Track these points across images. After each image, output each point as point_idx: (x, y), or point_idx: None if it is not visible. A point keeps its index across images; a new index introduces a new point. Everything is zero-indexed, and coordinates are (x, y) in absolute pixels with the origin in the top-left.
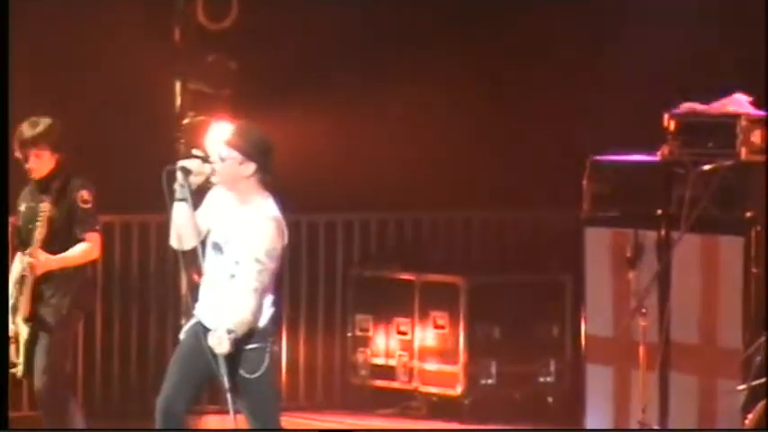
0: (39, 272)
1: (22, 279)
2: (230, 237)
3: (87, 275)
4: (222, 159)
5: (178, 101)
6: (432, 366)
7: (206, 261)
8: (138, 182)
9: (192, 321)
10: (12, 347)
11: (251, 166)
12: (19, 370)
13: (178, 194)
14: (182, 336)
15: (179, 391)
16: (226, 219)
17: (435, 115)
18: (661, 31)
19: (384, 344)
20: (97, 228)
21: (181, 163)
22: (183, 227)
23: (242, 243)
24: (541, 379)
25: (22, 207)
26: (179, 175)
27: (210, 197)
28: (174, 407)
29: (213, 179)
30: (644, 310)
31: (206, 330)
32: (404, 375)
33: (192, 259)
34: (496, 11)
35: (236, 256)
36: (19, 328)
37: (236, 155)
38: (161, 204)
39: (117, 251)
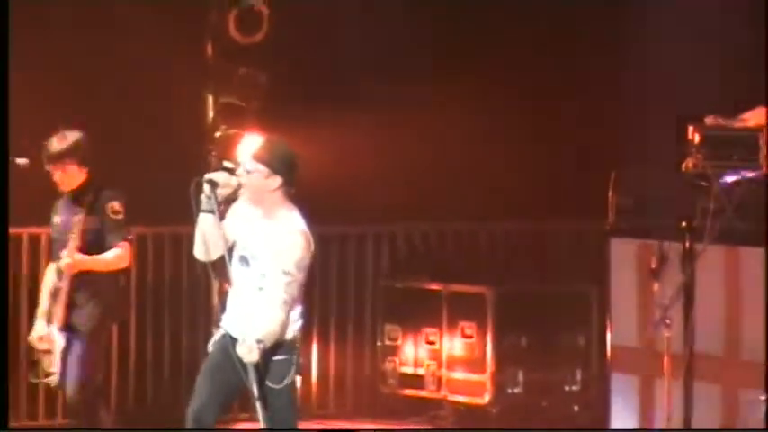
0: (75, 270)
1: (56, 290)
2: (257, 251)
3: (121, 285)
4: (248, 172)
5: (210, 114)
6: (459, 375)
7: (232, 273)
8: (170, 194)
9: (220, 333)
10: (46, 358)
11: (277, 180)
12: (54, 379)
13: (204, 206)
14: (210, 347)
15: (209, 402)
16: (251, 232)
17: (462, 127)
18: (683, 45)
19: (413, 353)
20: (129, 237)
21: (208, 176)
22: (210, 237)
23: (269, 256)
24: (567, 388)
25: (57, 220)
26: (206, 187)
27: (234, 211)
28: (205, 417)
29: (240, 192)
30: (668, 321)
31: (234, 341)
32: (432, 384)
33: (221, 268)
34: (524, 23)
35: (264, 269)
36: (54, 337)
37: (262, 168)
38: (192, 216)
39: (150, 262)
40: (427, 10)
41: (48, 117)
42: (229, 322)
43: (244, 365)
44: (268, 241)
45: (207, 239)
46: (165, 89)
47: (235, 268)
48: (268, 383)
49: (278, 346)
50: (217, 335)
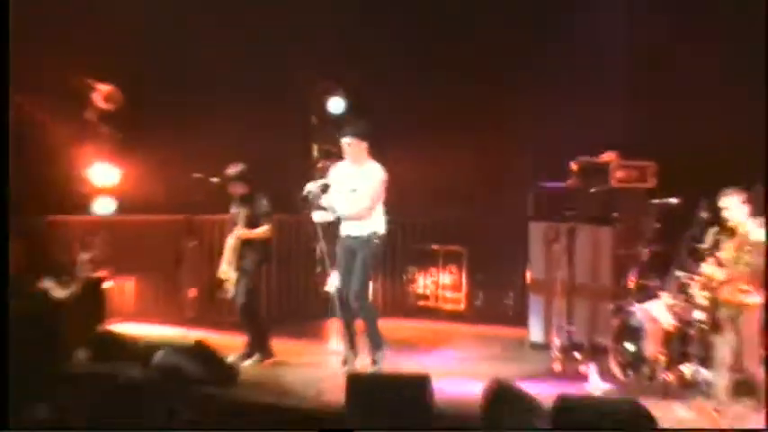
0: (243, 238)
1: (233, 248)
2: (359, 184)
3: (267, 246)
4: (349, 145)
5: (315, 154)
6: (448, 294)
7: (344, 199)
8: (291, 197)
9: (341, 241)
10: (227, 283)
11: (364, 144)
12: (230, 294)
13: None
14: (337, 250)
15: (345, 283)
16: (356, 175)
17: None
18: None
19: (423, 282)
20: (271, 221)
21: (309, 186)
22: (319, 214)
23: (366, 184)
24: (506, 302)
25: (233, 210)
26: (310, 192)
27: (339, 169)
28: (344, 294)
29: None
30: (561, 266)
31: (355, 238)
32: (433, 300)
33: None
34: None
35: (362, 192)
36: (230, 273)
37: (357, 141)
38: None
39: (282, 234)
40: None
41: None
42: (347, 229)
43: (354, 251)
44: (364, 176)
45: (321, 216)
46: (288, 142)
47: (346, 196)
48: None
49: (375, 235)
50: (338, 246)
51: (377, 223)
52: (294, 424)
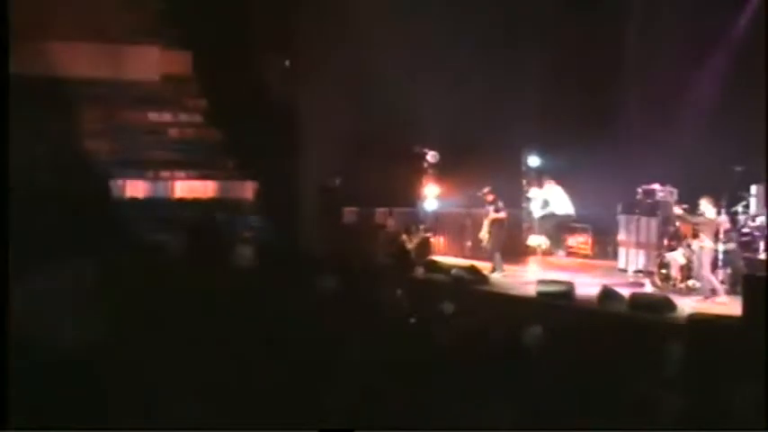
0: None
1: (488, 223)
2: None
3: (503, 223)
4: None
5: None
6: (583, 246)
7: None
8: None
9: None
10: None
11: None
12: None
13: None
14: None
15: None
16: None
17: None
18: None
19: (574, 241)
20: (501, 208)
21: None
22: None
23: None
24: (608, 248)
25: (486, 208)
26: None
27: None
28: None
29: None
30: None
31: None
32: (577, 248)
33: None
34: None
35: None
36: (485, 235)
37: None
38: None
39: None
40: None
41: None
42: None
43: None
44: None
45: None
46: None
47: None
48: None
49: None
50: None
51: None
52: (295, 425)
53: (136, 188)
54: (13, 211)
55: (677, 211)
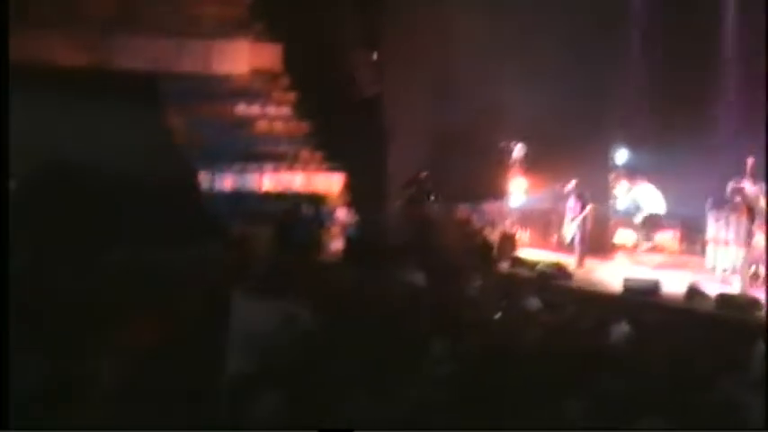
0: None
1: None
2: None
3: (587, 217)
4: None
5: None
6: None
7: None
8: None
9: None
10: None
11: None
12: (567, 239)
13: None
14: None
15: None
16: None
17: None
18: None
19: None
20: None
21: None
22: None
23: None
24: (697, 246)
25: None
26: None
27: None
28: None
29: None
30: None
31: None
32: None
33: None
34: None
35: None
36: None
37: None
38: None
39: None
40: None
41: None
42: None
43: None
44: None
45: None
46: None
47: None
48: None
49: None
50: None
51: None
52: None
53: (224, 181)
54: (105, 202)
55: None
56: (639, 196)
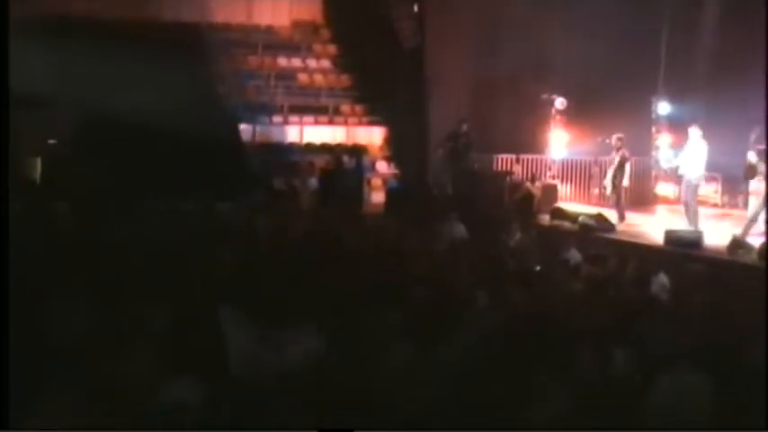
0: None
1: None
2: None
3: (623, 170)
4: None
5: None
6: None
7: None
8: None
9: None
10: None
11: None
12: (608, 192)
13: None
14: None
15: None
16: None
17: None
18: None
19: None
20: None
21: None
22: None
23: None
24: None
25: (611, 156)
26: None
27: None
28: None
29: None
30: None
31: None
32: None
33: None
34: None
35: None
36: (609, 182)
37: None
38: None
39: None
40: None
41: None
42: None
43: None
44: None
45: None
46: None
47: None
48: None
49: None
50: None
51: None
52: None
53: (265, 133)
54: (148, 154)
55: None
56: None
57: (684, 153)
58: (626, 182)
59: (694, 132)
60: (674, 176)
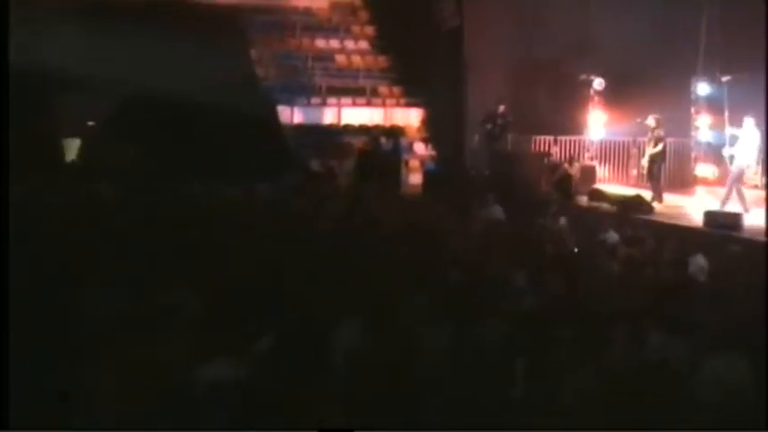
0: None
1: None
2: None
3: (661, 154)
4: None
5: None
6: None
7: None
8: None
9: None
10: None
11: None
12: (646, 173)
13: None
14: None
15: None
16: None
17: None
18: None
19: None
20: (664, 143)
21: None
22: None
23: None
24: None
25: (648, 136)
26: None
27: None
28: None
29: None
30: None
31: None
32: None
33: None
34: None
35: None
36: (645, 164)
37: None
38: None
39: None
40: None
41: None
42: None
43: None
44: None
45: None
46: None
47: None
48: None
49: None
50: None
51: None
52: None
53: (302, 114)
54: (187, 135)
55: None
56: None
57: (739, 141)
58: (658, 163)
59: (749, 121)
60: (715, 158)
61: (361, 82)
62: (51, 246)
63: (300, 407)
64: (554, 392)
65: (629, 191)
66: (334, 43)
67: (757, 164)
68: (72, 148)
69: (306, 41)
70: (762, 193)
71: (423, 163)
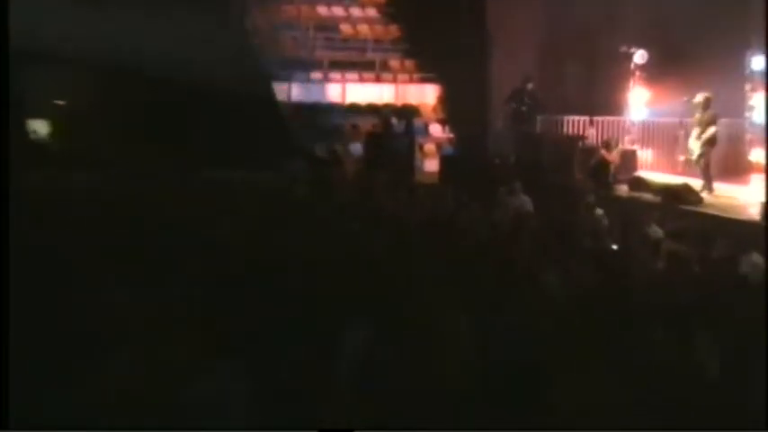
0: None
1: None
2: None
3: (712, 138)
4: None
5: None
6: None
7: None
8: None
9: None
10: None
11: None
12: (694, 155)
13: None
14: None
15: None
16: None
17: None
18: None
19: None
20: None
21: None
22: None
23: None
24: None
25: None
26: None
27: None
28: None
29: None
30: None
31: None
32: None
33: None
34: None
35: None
36: (693, 146)
37: None
38: None
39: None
40: None
41: None
42: None
43: None
44: None
45: None
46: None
47: None
48: None
49: None
50: None
51: None
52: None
53: (302, 92)
54: (185, 112)
55: None
56: None
57: None
58: (707, 148)
59: None
60: None
61: (370, 55)
62: (51, 246)
63: (300, 407)
64: (587, 397)
65: (674, 179)
66: (338, 10)
67: None
68: (42, 130)
69: (305, 9)
70: None
71: (439, 147)
